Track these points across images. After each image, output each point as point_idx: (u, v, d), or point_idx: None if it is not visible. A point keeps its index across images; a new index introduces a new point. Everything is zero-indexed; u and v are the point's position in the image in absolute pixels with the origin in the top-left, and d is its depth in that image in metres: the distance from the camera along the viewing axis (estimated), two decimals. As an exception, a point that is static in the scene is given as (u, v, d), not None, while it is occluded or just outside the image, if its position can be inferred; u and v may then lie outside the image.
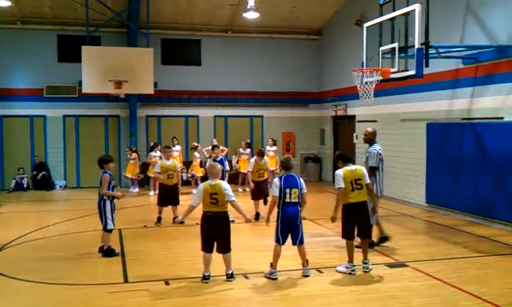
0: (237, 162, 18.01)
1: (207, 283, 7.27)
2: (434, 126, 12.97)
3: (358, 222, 7.78)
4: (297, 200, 7.45)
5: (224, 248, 7.37)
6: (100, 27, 16.19)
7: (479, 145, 11.41)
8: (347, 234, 7.82)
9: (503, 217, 10.73)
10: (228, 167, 13.22)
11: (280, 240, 7.44)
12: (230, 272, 7.43)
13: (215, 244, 7.34)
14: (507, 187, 10.61)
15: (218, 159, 12.17)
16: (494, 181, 10.95)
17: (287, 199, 7.39)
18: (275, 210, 7.54)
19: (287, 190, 7.38)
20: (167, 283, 7.30)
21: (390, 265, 8.14)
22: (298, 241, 7.51)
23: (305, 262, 7.62)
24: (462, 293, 6.84)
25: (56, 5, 17.07)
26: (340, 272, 7.75)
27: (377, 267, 7.94)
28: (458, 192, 11.98)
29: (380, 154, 9.08)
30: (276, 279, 7.42)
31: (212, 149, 12.91)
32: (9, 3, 15.19)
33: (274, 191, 7.43)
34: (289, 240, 7.54)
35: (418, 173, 13.61)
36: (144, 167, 17.26)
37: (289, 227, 7.45)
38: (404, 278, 7.54)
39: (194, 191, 16.85)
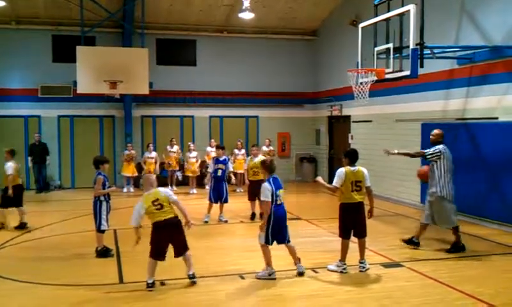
0: (233, 163, 17.97)
1: (151, 290, 7.00)
2: (429, 126, 12.97)
3: (354, 222, 7.80)
4: (282, 200, 7.54)
5: (183, 248, 7.20)
6: (94, 27, 16.16)
7: (473, 145, 11.45)
8: (343, 233, 7.86)
9: (498, 217, 10.77)
10: (231, 168, 13.03)
11: (270, 241, 7.43)
12: (191, 272, 7.23)
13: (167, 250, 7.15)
14: (501, 187, 10.66)
15: (222, 159, 11.98)
16: (489, 181, 11.00)
17: (278, 201, 7.43)
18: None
19: (277, 192, 7.42)
20: (163, 284, 7.28)
21: (386, 265, 8.15)
22: (287, 240, 7.56)
23: (297, 260, 7.63)
24: (457, 292, 6.86)
25: (50, 5, 17.00)
26: (331, 271, 7.78)
27: (372, 267, 7.94)
28: (453, 192, 11.97)
29: (440, 151, 8.92)
30: (274, 279, 7.38)
31: (217, 148, 12.77)
32: (3, 3, 15.14)
33: (267, 196, 7.31)
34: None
35: (413, 173, 13.57)
36: (139, 167, 17.25)
37: (280, 228, 7.48)
38: (400, 278, 7.55)
39: (193, 191, 16.84)
